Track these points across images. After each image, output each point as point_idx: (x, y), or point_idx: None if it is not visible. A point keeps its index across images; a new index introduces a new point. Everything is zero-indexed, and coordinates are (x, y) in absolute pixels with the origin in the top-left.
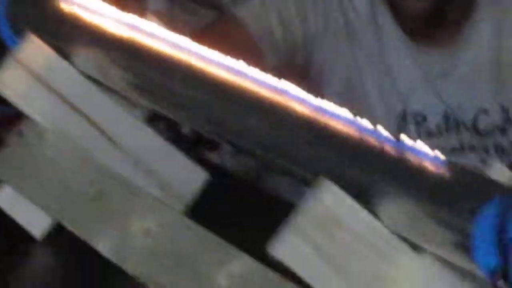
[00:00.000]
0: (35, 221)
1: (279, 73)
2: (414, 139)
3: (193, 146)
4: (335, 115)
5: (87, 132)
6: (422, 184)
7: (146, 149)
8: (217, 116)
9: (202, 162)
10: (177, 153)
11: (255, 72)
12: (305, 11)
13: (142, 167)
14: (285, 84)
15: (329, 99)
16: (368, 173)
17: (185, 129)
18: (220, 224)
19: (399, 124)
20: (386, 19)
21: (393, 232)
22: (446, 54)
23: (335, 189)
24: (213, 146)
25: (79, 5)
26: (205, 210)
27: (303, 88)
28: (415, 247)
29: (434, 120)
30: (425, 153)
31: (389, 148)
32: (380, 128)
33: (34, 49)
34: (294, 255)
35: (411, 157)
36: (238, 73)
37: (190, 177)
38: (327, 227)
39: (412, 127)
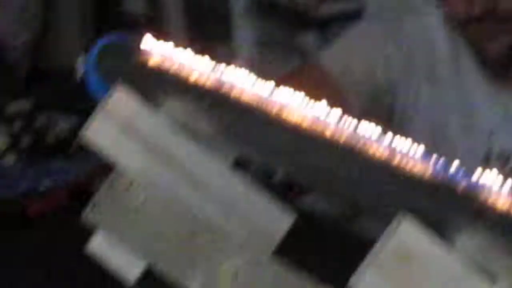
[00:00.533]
0: (129, 266)
1: (364, 117)
2: (499, 178)
3: (282, 191)
4: (411, 153)
5: (175, 179)
6: (494, 218)
7: (233, 193)
8: (304, 163)
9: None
10: (265, 195)
11: (337, 116)
12: (388, 54)
13: (230, 211)
14: (363, 126)
15: (413, 141)
16: (443, 208)
17: (276, 176)
18: (307, 266)
19: (483, 165)
20: (467, 60)
21: (469, 265)
22: None
23: (413, 224)
24: (302, 191)
25: (165, 55)
26: (293, 252)
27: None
28: (491, 279)
29: None
30: (495, 189)
31: (461, 184)
32: (454, 165)
33: (123, 99)
34: None
35: (483, 193)
36: (322, 119)
37: (278, 219)
38: (405, 261)
39: (496, 166)
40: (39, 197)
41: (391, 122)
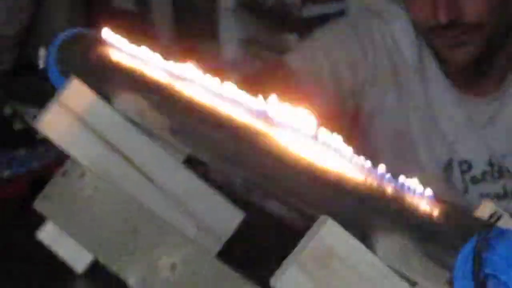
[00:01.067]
0: (76, 256)
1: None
2: (459, 185)
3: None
4: (342, 154)
5: (127, 172)
6: (414, 221)
7: (184, 189)
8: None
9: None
10: (214, 193)
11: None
12: (354, 59)
13: (179, 207)
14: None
15: (378, 145)
16: (366, 210)
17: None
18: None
19: (445, 171)
20: (432, 68)
21: (389, 266)
22: (491, 102)
23: (335, 225)
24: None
25: (122, 50)
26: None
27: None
28: (409, 282)
29: (479, 167)
30: (419, 192)
31: (387, 187)
32: (381, 167)
33: (77, 92)
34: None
35: (407, 196)
36: (270, 120)
37: (226, 217)
38: (326, 262)
39: (457, 174)
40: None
41: (356, 125)
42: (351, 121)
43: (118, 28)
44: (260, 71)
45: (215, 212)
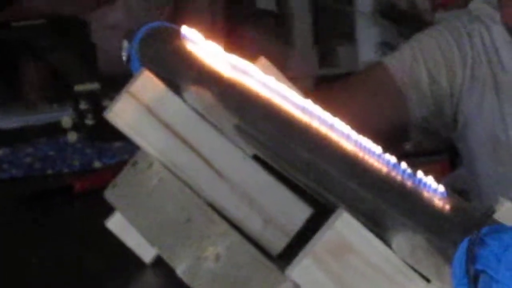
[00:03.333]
0: (144, 246)
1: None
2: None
3: None
4: (371, 151)
5: (194, 164)
6: (427, 218)
7: (251, 183)
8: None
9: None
10: (283, 188)
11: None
12: (453, 64)
13: (246, 200)
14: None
15: (474, 149)
16: (384, 205)
17: None
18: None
19: None
20: None
21: (403, 261)
22: None
23: (350, 219)
24: None
25: (197, 46)
26: None
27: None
28: (423, 278)
29: None
30: (435, 188)
31: (406, 183)
32: (403, 164)
33: (147, 84)
34: (309, 279)
35: (424, 192)
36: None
37: (294, 212)
38: (341, 254)
39: None
40: (89, 175)
41: (455, 128)
42: (448, 126)
43: (256, 28)
44: (360, 72)
45: (282, 206)
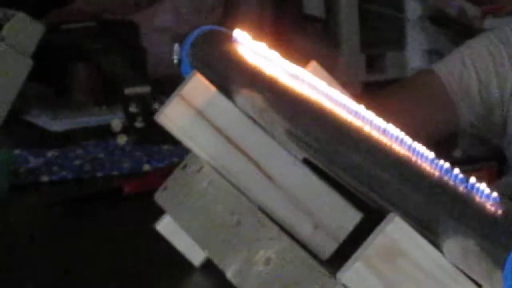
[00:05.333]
0: (194, 249)
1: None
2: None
3: None
4: (424, 156)
5: (244, 168)
6: (479, 223)
7: (302, 187)
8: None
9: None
10: (333, 193)
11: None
12: (503, 70)
13: (296, 204)
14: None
15: None
16: (436, 209)
17: None
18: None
19: None
20: None
21: (455, 266)
22: None
23: (402, 223)
24: None
25: (249, 50)
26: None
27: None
28: (476, 284)
29: None
30: (488, 194)
31: (458, 187)
32: (456, 169)
33: (199, 87)
34: (360, 283)
35: (476, 197)
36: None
37: (344, 217)
38: (392, 258)
39: None
40: (138, 177)
41: (504, 135)
42: (498, 132)
43: (304, 33)
44: (409, 78)
45: (333, 211)
